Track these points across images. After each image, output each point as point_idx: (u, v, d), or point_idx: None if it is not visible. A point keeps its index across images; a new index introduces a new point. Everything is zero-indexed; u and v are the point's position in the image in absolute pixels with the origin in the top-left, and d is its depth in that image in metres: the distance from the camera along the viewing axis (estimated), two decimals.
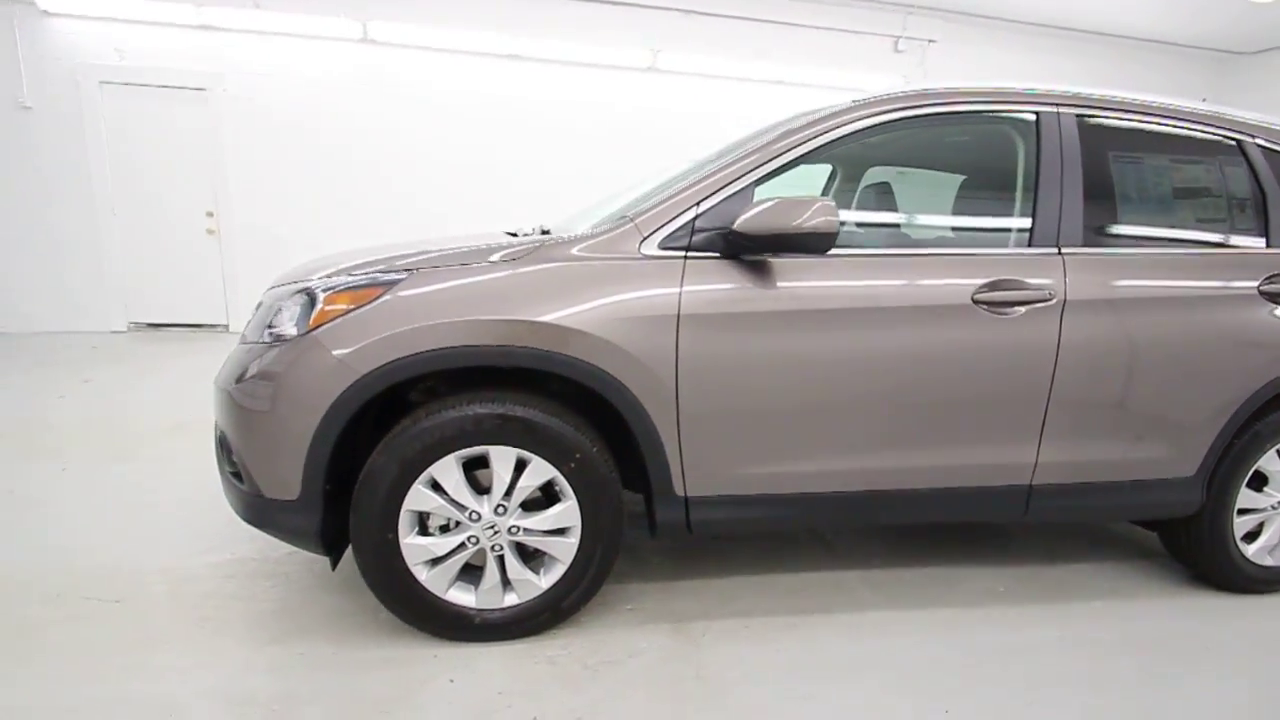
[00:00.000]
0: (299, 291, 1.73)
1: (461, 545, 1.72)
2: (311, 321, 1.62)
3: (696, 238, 1.73)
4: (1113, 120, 2.02)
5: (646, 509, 1.89)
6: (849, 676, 1.75)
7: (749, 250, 1.71)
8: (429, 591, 1.73)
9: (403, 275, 1.64)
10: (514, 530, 1.73)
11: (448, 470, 1.67)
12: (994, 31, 6.95)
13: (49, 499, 2.62)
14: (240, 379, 1.68)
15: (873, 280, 1.80)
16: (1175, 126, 2.07)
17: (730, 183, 1.77)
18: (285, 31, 5.62)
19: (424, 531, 1.73)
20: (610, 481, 1.75)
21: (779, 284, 1.73)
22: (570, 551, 1.77)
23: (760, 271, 1.74)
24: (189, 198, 5.81)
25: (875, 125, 1.85)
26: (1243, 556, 2.17)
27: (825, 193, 2.54)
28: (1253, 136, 2.11)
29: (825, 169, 2.56)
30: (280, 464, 1.63)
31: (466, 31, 5.89)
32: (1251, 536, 2.17)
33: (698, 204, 1.75)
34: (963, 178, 2.06)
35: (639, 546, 2.36)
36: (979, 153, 2.03)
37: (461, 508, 1.70)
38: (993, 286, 1.84)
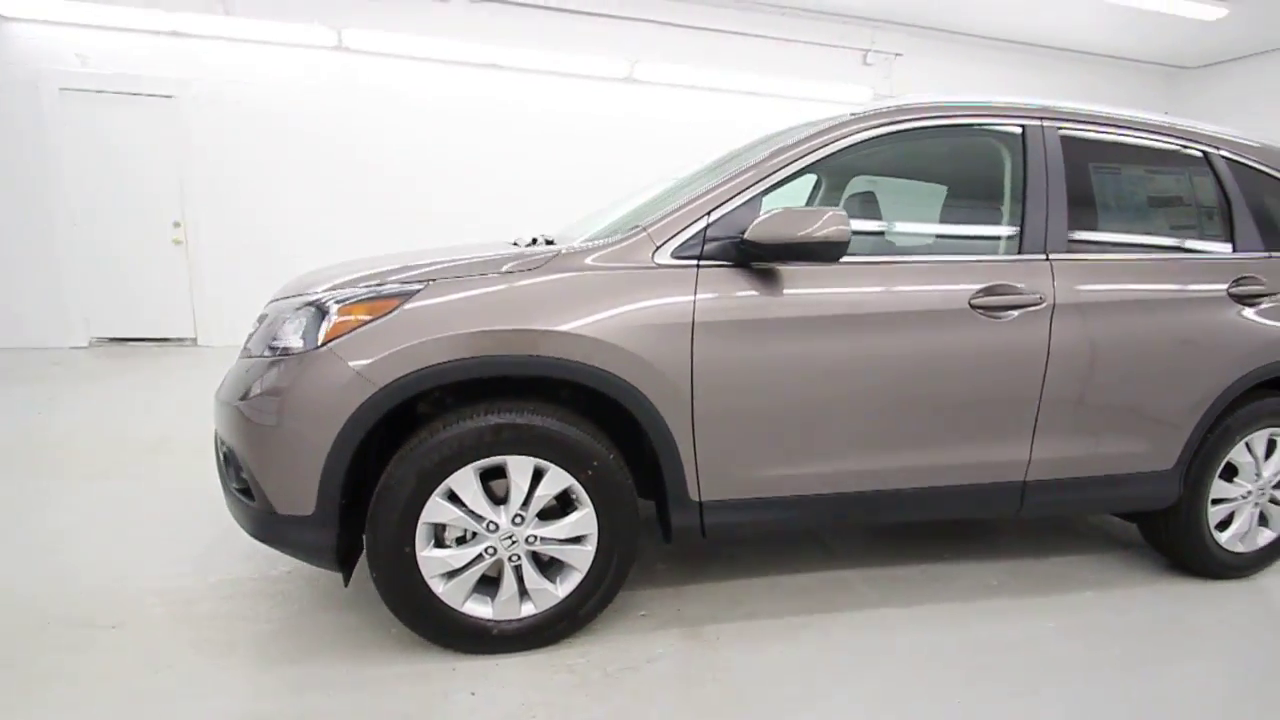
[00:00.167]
0: (308, 304, 1.71)
1: (479, 556, 1.71)
2: (327, 334, 1.60)
3: (708, 246, 1.77)
4: (1091, 133, 2.14)
5: (659, 515, 1.91)
6: (860, 671, 1.79)
7: (760, 259, 1.75)
8: (446, 605, 1.72)
9: (420, 286, 1.64)
10: (531, 540, 1.73)
11: (466, 481, 1.66)
12: (957, 46, 7.22)
13: (28, 522, 2.51)
14: (249, 394, 1.65)
15: (876, 287, 1.86)
16: (1148, 139, 2.19)
17: (740, 193, 1.81)
18: (256, 38, 5.51)
19: (440, 544, 1.72)
20: (627, 488, 1.77)
21: (789, 291, 1.78)
22: (587, 559, 1.78)
23: (770, 280, 1.78)
24: (155, 208, 5.64)
25: (876, 137, 1.92)
26: (1217, 544, 2.29)
27: (810, 203, 2.62)
28: (1217, 148, 2.25)
29: (810, 179, 2.63)
30: (294, 479, 1.60)
31: (443, 40, 5.86)
32: (1224, 525, 2.30)
33: (709, 213, 1.79)
34: (956, 188, 2.15)
35: (645, 554, 2.38)
36: (970, 164, 2.12)
37: (479, 518, 1.69)
38: (988, 292, 1.92)
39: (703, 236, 1.78)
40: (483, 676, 1.70)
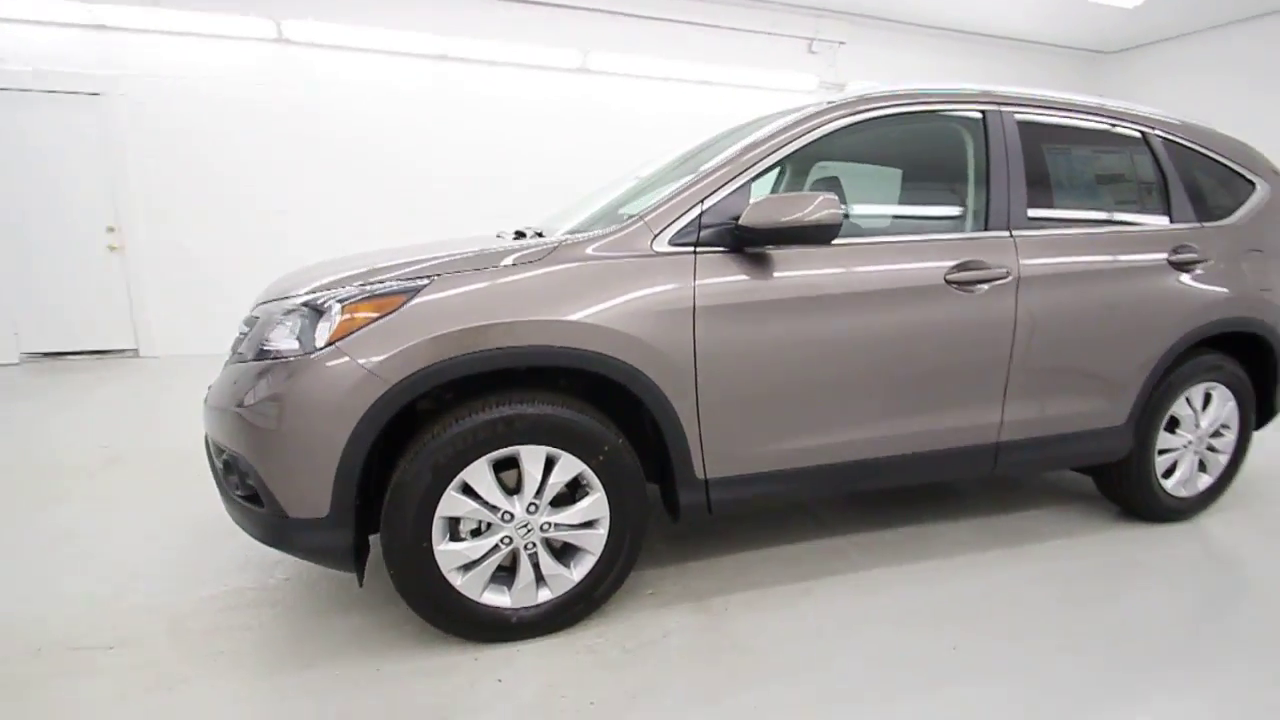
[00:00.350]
0: (304, 304, 1.68)
1: (495, 547, 1.74)
2: (332, 333, 1.58)
3: (704, 233, 1.83)
4: (1043, 117, 2.29)
5: (665, 496, 1.97)
6: (864, 629, 1.91)
7: (754, 243, 1.82)
8: (465, 596, 1.74)
9: (425, 281, 1.64)
10: (546, 527, 1.76)
11: (480, 473, 1.68)
12: (896, 34, 7.47)
13: None
14: (251, 398, 1.62)
15: (861, 266, 1.96)
16: (1093, 121, 2.37)
17: (730, 180, 1.87)
18: (189, 31, 5.23)
19: (455, 537, 1.74)
20: (635, 470, 1.82)
21: (782, 274, 1.86)
22: (600, 542, 1.83)
23: (763, 263, 1.86)
24: (86, 212, 5.29)
25: (856, 123, 2.01)
26: (1164, 491, 2.52)
27: (775, 190, 2.71)
28: (1153, 128, 2.45)
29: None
30: (307, 482, 1.59)
31: (391, 31, 5.69)
32: (1169, 473, 2.53)
33: (702, 201, 1.85)
34: (926, 170, 2.27)
35: (646, 535, 2.43)
36: (938, 147, 2.24)
37: (494, 509, 1.71)
38: (961, 268, 2.05)
39: (698, 224, 1.83)
40: (506, 664, 1.73)
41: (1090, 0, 6.41)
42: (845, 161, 2.16)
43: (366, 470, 1.65)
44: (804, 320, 1.88)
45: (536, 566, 1.79)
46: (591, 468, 1.76)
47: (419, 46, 5.82)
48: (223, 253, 5.64)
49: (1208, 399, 2.50)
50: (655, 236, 1.81)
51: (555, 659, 1.75)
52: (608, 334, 1.68)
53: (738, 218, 1.80)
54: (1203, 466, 2.58)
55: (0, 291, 5.20)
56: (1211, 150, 2.54)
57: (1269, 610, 2.05)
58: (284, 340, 1.66)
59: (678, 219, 1.82)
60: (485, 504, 1.70)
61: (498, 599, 1.78)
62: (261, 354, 1.67)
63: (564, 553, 1.85)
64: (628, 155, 6.18)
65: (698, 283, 1.78)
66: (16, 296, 5.25)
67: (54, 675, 1.69)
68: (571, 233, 1.88)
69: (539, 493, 1.74)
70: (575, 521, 1.79)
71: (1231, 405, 2.53)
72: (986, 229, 2.15)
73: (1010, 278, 2.10)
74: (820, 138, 1.98)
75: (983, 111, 2.20)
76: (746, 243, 1.83)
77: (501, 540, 1.74)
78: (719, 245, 1.84)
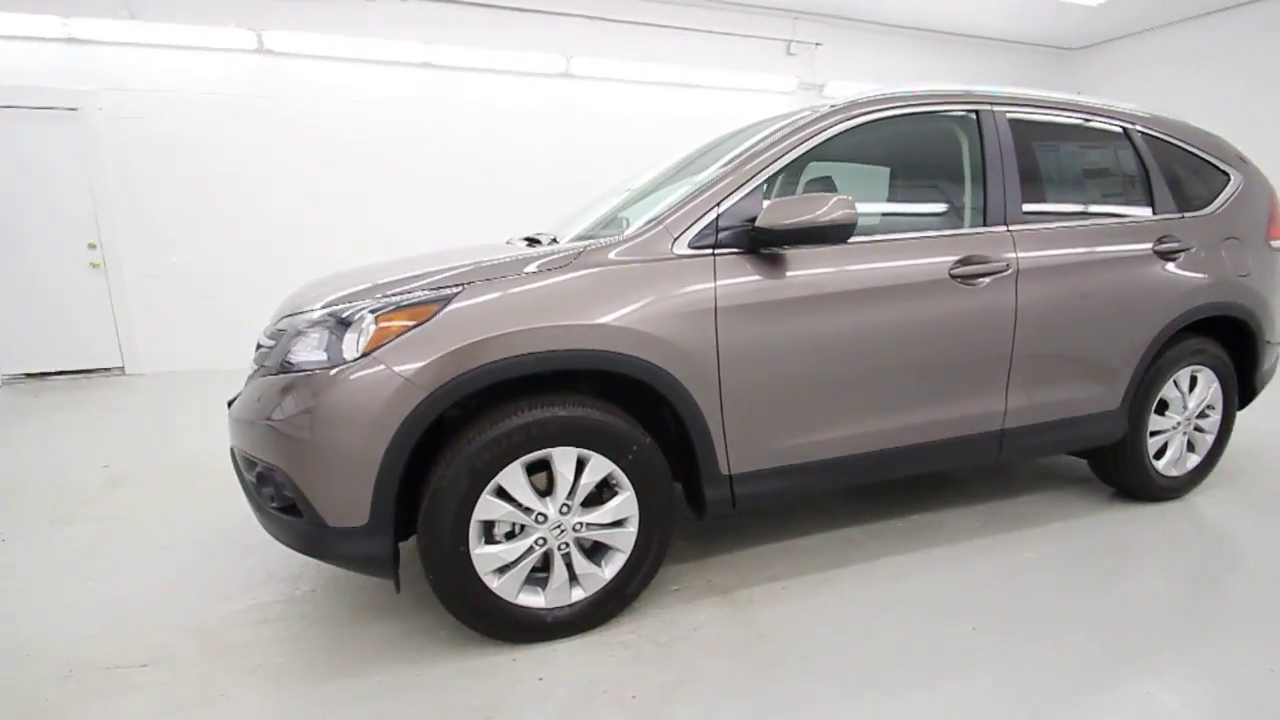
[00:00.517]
0: (331, 315, 1.70)
1: (530, 548, 1.77)
2: (368, 343, 1.60)
3: (721, 235, 1.88)
4: (1032, 115, 2.39)
5: (689, 493, 2.02)
6: (886, 614, 1.97)
7: (770, 244, 1.88)
8: (501, 599, 1.77)
9: (457, 289, 1.67)
10: (579, 527, 1.80)
11: (514, 476, 1.71)
12: (872, 34, 7.63)
13: (5, 572, 2.33)
14: (285, 410, 1.63)
15: (870, 264, 2.03)
16: (1079, 118, 2.47)
17: (744, 183, 1.93)
18: (168, 43, 5.15)
19: (490, 540, 1.76)
20: (663, 468, 1.86)
21: (797, 273, 1.92)
22: (630, 540, 1.87)
23: (778, 263, 1.92)
24: (67, 230, 5.19)
25: (859, 125, 2.08)
26: (1156, 471, 2.63)
27: (769, 192, 2.77)
28: (1134, 124, 2.56)
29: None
30: (346, 491, 1.60)
31: (373, 40, 5.67)
32: (1160, 454, 2.64)
33: (718, 204, 1.90)
34: (926, 169, 2.35)
35: None
36: (937, 146, 2.31)
37: (528, 511, 1.75)
38: (964, 262, 2.13)
39: (715, 226, 1.89)
40: (544, 663, 1.77)
41: None
42: (849, 162, 2.23)
43: (403, 478, 1.67)
44: (820, 317, 1.95)
45: (570, 566, 1.82)
46: (621, 467, 1.80)
47: (402, 55, 5.80)
48: (208, 267, 5.57)
49: (1194, 381, 2.63)
50: (675, 240, 1.86)
51: (592, 656, 1.79)
52: (637, 336, 1.72)
53: (753, 220, 1.86)
54: (1191, 447, 2.70)
55: None
56: (1185, 142, 2.67)
57: (1262, 582, 2.17)
58: (314, 352, 1.67)
59: (696, 222, 1.88)
60: (520, 506, 1.74)
61: (533, 600, 1.81)
62: (292, 366, 1.68)
63: (595, 552, 1.88)
64: (612, 158, 6.29)
65: (718, 283, 1.84)
66: None
67: (88, 696, 1.68)
68: (580, 238, 1.92)
69: (571, 493, 1.77)
70: (606, 521, 1.83)
71: (1216, 387, 2.66)
72: (985, 224, 2.24)
73: (1010, 271, 2.19)
74: (826, 140, 2.05)
75: (976, 111, 2.29)
76: (762, 244, 1.89)
77: (536, 541, 1.77)
78: (735, 247, 1.90)
